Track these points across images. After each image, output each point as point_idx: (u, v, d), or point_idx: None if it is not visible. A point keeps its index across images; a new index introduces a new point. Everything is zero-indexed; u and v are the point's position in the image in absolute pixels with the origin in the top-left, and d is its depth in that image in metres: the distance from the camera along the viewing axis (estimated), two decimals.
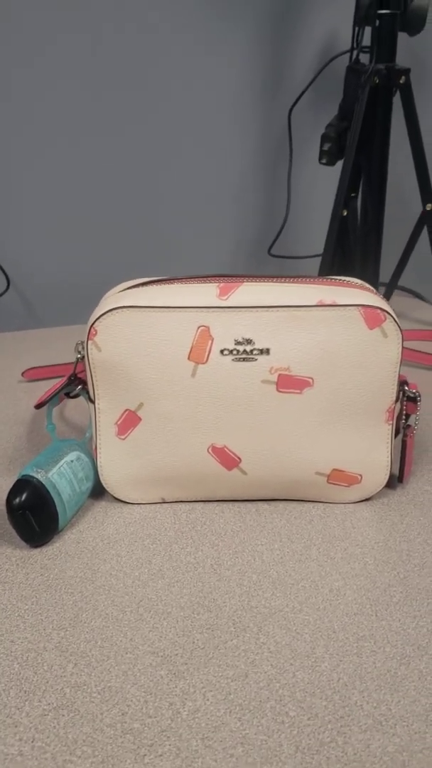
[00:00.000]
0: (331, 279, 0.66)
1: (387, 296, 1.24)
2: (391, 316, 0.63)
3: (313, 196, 1.42)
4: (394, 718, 0.47)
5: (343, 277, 0.68)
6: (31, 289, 1.31)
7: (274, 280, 0.65)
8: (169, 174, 1.31)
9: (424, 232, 1.16)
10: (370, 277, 1.20)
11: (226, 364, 0.63)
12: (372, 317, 0.63)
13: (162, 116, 1.27)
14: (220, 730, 0.46)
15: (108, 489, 0.68)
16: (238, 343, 0.63)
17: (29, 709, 0.48)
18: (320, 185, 1.41)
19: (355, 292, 0.64)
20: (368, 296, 0.64)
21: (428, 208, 1.14)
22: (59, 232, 1.29)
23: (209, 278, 0.65)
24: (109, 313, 0.63)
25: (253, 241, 1.42)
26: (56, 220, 1.28)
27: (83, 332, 1.13)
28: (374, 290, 0.67)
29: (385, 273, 1.29)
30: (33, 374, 0.97)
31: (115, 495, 0.69)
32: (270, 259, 1.42)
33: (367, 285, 0.68)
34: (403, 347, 0.64)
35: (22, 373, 0.97)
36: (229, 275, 0.66)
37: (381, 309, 0.63)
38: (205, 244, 1.39)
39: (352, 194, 1.17)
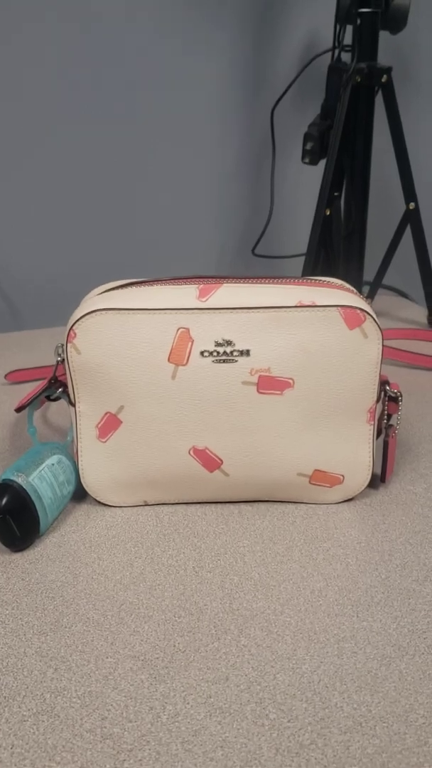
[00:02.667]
0: (311, 279, 0.66)
1: (371, 295, 1.24)
2: (371, 316, 0.63)
3: (297, 195, 1.42)
4: (374, 719, 0.47)
5: (323, 278, 0.68)
6: (13, 291, 1.31)
7: (254, 281, 0.65)
8: (151, 174, 1.31)
9: (408, 231, 1.16)
10: (354, 276, 1.21)
11: (207, 365, 0.63)
12: (352, 318, 0.63)
13: (144, 116, 1.27)
14: (200, 734, 0.46)
15: (89, 492, 0.68)
16: (218, 344, 0.63)
17: (9, 716, 0.47)
18: (303, 184, 1.41)
19: (335, 293, 0.64)
20: (348, 296, 0.64)
21: (411, 207, 1.15)
22: (41, 232, 1.29)
23: (189, 279, 0.65)
24: (88, 316, 0.63)
25: (237, 241, 1.42)
26: (38, 221, 1.28)
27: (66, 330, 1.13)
28: (354, 290, 0.67)
29: (370, 271, 1.29)
30: (16, 377, 0.97)
31: (96, 498, 0.69)
32: (254, 259, 1.41)
33: (347, 285, 0.68)
34: (383, 347, 0.64)
35: (5, 376, 0.97)
36: (209, 276, 0.66)
37: (361, 309, 0.63)
38: (189, 245, 1.39)
39: (335, 193, 1.17)
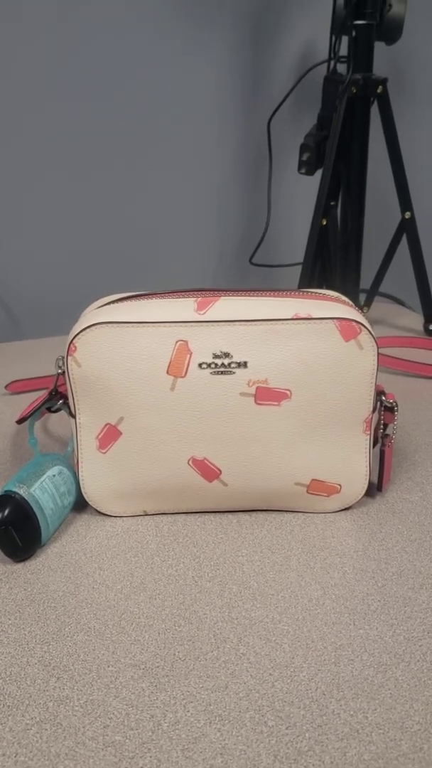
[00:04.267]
0: (308, 292, 0.67)
1: (368, 303, 1.25)
2: (366, 328, 0.64)
3: (294, 205, 1.43)
4: (370, 725, 0.48)
5: (319, 290, 0.69)
6: (13, 301, 1.32)
7: (251, 294, 0.66)
8: (149, 184, 1.32)
9: (404, 239, 1.18)
10: (351, 284, 1.22)
11: (205, 377, 0.64)
12: (347, 330, 0.64)
13: (141, 127, 1.28)
14: (200, 741, 0.47)
15: (90, 502, 0.69)
16: (215, 356, 0.64)
17: (12, 724, 0.48)
18: (300, 194, 1.42)
19: (330, 305, 0.65)
20: (344, 309, 0.65)
21: (407, 216, 1.16)
22: (40, 241, 1.30)
23: (187, 293, 0.66)
24: (88, 329, 0.64)
25: (235, 251, 1.43)
26: (37, 230, 1.29)
27: (66, 343, 1.14)
28: (350, 302, 0.68)
29: (367, 279, 1.30)
30: (16, 387, 0.98)
31: (97, 508, 0.69)
32: (251, 268, 1.43)
33: (343, 297, 0.69)
34: (378, 358, 0.65)
35: (6, 386, 0.98)
36: (207, 289, 0.67)
37: (356, 321, 0.64)
38: (187, 254, 1.40)
39: (332, 203, 1.18)
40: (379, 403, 0.70)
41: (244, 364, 0.64)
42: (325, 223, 1.17)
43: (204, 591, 0.60)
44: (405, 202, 1.16)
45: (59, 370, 0.69)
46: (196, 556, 0.65)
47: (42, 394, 0.73)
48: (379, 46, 1.28)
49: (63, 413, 0.91)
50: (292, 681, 0.51)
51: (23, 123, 1.21)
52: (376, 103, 1.13)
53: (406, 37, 1.35)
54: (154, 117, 1.28)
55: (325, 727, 0.48)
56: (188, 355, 0.64)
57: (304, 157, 1.19)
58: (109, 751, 0.46)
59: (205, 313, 0.64)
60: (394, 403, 0.70)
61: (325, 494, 0.69)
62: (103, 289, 1.35)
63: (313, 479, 0.68)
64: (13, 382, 0.97)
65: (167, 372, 0.64)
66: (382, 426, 0.71)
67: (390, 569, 0.62)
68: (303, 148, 1.19)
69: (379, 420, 0.71)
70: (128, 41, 1.22)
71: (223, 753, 0.46)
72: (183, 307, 0.65)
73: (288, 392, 0.65)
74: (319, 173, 1.21)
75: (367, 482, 0.69)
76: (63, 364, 0.67)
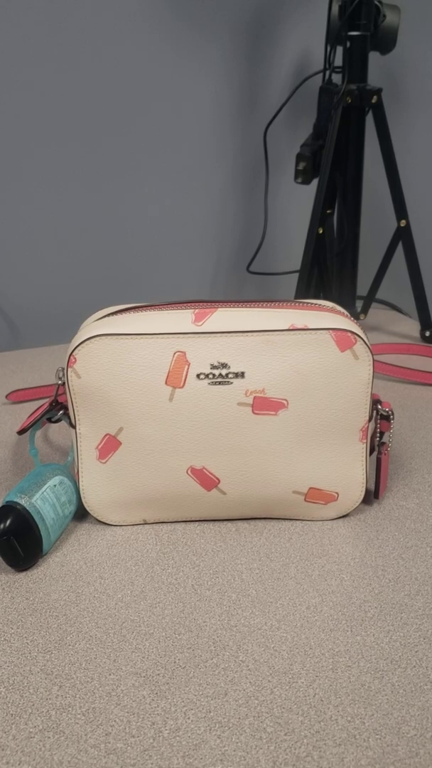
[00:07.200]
0: (303, 303, 0.68)
1: (365, 310, 1.26)
2: (362, 338, 0.65)
3: (290, 214, 1.44)
4: (367, 731, 0.48)
5: (315, 301, 0.70)
6: (13, 309, 1.33)
7: (248, 305, 0.67)
8: (146, 195, 1.33)
9: (400, 246, 1.19)
10: (348, 291, 1.23)
11: (203, 387, 0.65)
12: (343, 340, 0.65)
13: (139, 138, 1.29)
14: (200, 748, 0.48)
15: (90, 512, 0.70)
16: (213, 367, 0.65)
17: (16, 732, 0.49)
18: (297, 203, 1.43)
19: (326, 316, 0.66)
20: (339, 319, 0.66)
21: (402, 224, 1.17)
22: (40, 250, 1.31)
23: (185, 304, 0.67)
24: (87, 341, 0.65)
25: (232, 259, 1.44)
26: (38, 241, 1.30)
27: (66, 352, 1.15)
28: (345, 313, 0.69)
29: (364, 286, 1.31)
30: (17, 396, 0.99)
31: (97, 517, 0.70)
32: (249, 276, 1.44)
33: (339, 308, 0.70)
34: (373, 368, 0.66)
35: (7, 396, 0.99)
36: (205, 301, 0.68)
37: (351, 332, 0.65)
38: (186, 263, 1.41)
39: (328, 211, 1.19)
40: (375, 411, 0.71)
41: (242, 375, 0.65)
42: (321, 231, 1.18)
43: (203, 599, 0.61)
44: (400, 210, 1.17)
45: (59, 381, 0.70)
46: (196, 564, 0.65)
47: (43, 405, 0.74)
48: (373, 56, 1.29)
49: (63, 423, 0.92)
50: (291, 687, 0.52)
51: (22, 134, 1.22)
52: (371, 112, 1.15)
53: (400, 46, 1.36)
54: (150, 127, 1.29)
55: (323, 732, 0.48)
56: (186, 366, 0.65)
57: (301, 166, 1.20)
58: (111, 759, 0.47)
59: (202, 324, 0.65)
60: (390, 412, 0.71)
61: (322, 502, 0.70)
62: (102, 297, 1.36)
63: (310, 487, 0.69)
64: (13, 391, 0.98)
65: (166, 383, 0.65)
66: (378, 434, 0.72)
67: (387, 576, 0.63)
68: (299, 158, 1.20)
69: (375, 428, 0.72)
70: (125, 52, 1.23)
71: (223, 759, 0.47)
72: (181, 319, 0.66)
73: (285, 402, 0.66)
74: (315, 182, 1.22)
75: (364, 490, 0.70)
76: (63, 375, 0.68)
